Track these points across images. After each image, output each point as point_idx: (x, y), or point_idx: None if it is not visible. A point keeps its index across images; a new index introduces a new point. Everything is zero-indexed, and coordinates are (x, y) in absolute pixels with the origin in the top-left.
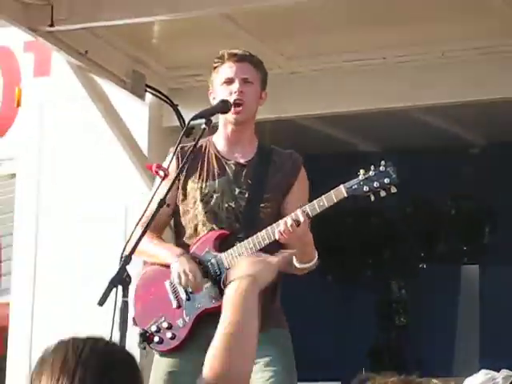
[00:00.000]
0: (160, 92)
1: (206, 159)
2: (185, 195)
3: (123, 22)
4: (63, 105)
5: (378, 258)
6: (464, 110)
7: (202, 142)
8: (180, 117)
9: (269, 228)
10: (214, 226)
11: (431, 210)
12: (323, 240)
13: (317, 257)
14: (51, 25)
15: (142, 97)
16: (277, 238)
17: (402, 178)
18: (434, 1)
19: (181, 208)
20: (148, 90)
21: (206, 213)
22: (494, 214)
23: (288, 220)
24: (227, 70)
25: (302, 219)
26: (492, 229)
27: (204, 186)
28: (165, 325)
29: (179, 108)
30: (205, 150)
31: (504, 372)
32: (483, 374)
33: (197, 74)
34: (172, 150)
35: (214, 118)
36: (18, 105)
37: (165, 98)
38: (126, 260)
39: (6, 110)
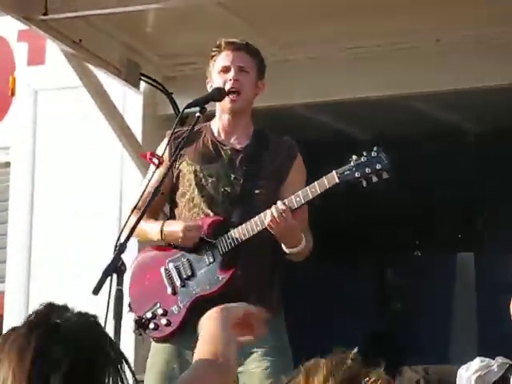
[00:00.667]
0: (154, 80)
1: (201, 143)
2: (181, 177)
3: (117, 10)
4: (57, 94)
5: (373, 246)
6: (459, 97)
7: (199, 126)
8: (174, 105)
9: (261, 214)
10: (210, 211)
11: (426, 197)
12: (318, 227)
13: (304, 242)
14: (45, 13)
15: (136, 85)
16: (266, 224)
17: (395, 166)
18: None
19: (178, 190)
20: (142, 78)
21: (202, 196)
22: (488, 202)
23: (273, 211)
24: (224, 58)
25: (284, 208)
26: (487, 216)
27: (199, 169)
28: (160, 311)
29: (173, 96)
30: (201, 134)
31: (499, 359)
32: (479, 362)
33: (191, 62)
34: (168, 133)
35: (208, 106)
36: (13, 94)
37: (159, 86)
38: (121, 248)
39: (0, 99)
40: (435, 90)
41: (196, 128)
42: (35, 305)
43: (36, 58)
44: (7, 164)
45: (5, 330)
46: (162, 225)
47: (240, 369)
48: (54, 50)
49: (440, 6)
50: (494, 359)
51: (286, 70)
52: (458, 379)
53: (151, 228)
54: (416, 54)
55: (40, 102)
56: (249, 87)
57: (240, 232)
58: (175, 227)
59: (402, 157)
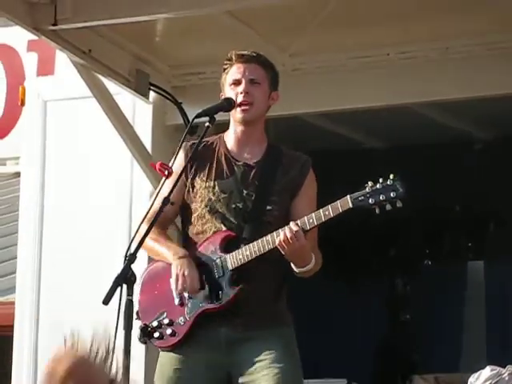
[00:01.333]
0: (164, 90)
1: (215, 158)
2: (194, 193)
3: (126, 20)
4: (67, 104)
5: (382, 255)
6: (468, 105)
7: (213, 139)
8: (184, 115)
9: (274, 233)
10: (222, 226)
11: (436, 206)
12: (327, 237)
13: (314, 261)
14: (55, 24)
15: (145, 95)
16: (277, 244)
17: (406, 174)
18: None
19: (190, 205)
20: (152, 88)
21: (214, 213)
22: (498, 210)
23: (287, 231)
24: (235, 71)
25: (297, 229)
26: (497, 225)
27: (213, 185)
28: (166, 321)
29: (183, 106)
30: (215, 148)
31: (510, 368)
32: (489, 370)
33: (200, 71)
34: (184, 145)
35: (217, 116)
36: (22, 104)
37: (168, 96)
38: (131, 258)
39: (10, 109)
40: (445, 99)
41: (209, 141)
42: (45, 315)
43: (45, 68)
44: (17, 174)
45: (16, 341)
46: (182, 257)
47: (248, 378)
48: (63, 60)
49: (449, 14)
50: (504, 368)
51: (295, 79)
52: None
53: (161, 250)
54: (425, 63)
55: (49, 112)
56: (260, 99)
57: (251, 249)
58: (188, 268)
59: (412, 165)
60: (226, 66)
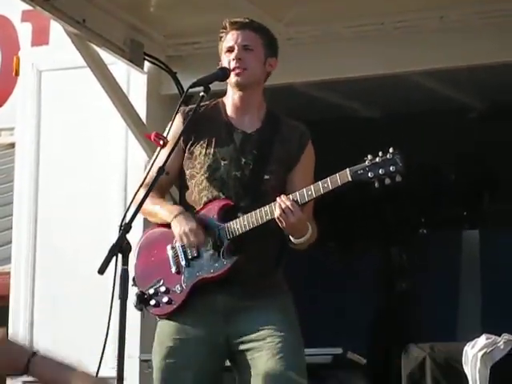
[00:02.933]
0: (158, 60)
1: (215, 124)
2: (193, 159)
3: None
4: (61, 74)
5: (377, 224)
6: (464, 74)
7: (212, 103)
8: (178, 84)
9: (272, 204)
10: (220, 194)
11: (431, 175)
12: (321, 207)
13: (311, 232)
14: None
15: (140, 65)
16: (276, 217)
17: (402, 143)
18: None
19: (187, 172)
20: (146, 58)
21: (213, 180)
22: (494, 180)
23: (285, 203)
24: (229, 38)
25: (307, 199)
26: (492, 194)
27: (212, 152)
28: (162, 289)
29: (178, 75)
30: (214, 113)
31: (505, 336)
32: (484, 339)
33: (195, 41)
34: (181, 110)
35: (212, 86)
36: (17, 74)
37: (163, 66)
38: (126, 228)
39: (4, 79)
40: (439, 67)
41: (209, 105)
42: (41, 285)
43: (40, 38)
44: (12, 144)
45: (11, 311)
46: (178, 214)
47: (249, 345)
48: (57, 30)
49: None
50: (500, 336)
51: (290, 49)
52: (463, 356)
53: (161, 211)
54: (420, 32)
55: (44, 83)
56: (254, 64)
57: (249, 219)
58: (188, 223)
59: (407, 133)
60: (221, 34)
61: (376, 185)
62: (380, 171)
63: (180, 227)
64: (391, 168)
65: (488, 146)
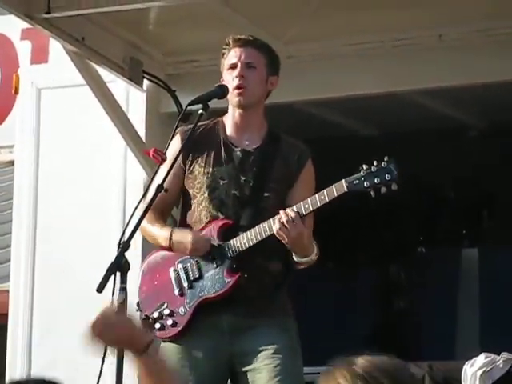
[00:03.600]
0: (157, 78)
1: (214, 143)
2: (192, 179)
3: (120, 8)
4: (61, 92)
5: (376, 242)
6: (463, 92)
7: (212, 122)
8: (177, 102)
9: (270, 220)
10: (219, 214)
11: (430, 193)
12: (320, 224)
13: (316, 251)
14: (48, 12)
15: (139, 83)
16: (275, 231)
17: (401, 161)
18: None
19: (190, 191)
20: (145, 76)
21: (212, 199)
22: (492, 198)
23: (283, 216)
24: (232, 55)
25: (304, 212)
26: (491, 212)
27: (211, 171)
28: (166, 311)
29: (176, 93)
30: (214, 132)
31: (504, 355)
32: (483, 358)
33: (194, 59)
34: (179, 130)
35: (211, 104)
36: (16, 92)
37: (162, 84)
38: (125, 246)
39: (4, 97)
40: (438, 86)
41: (208, 125)
42: (40, 303)
43: (39, 56)
44: (11, 162)
45: (10, 329)
46: (171, 233)
47: (250, 366)
48: (57, 48)
49: (443, 1)
50: (499, 355)
51: (290, 67)
52: (463, 375)
53: (159, 232)
54: (419, 50)
55: (43, 100)
56: (256, 83)
57: (248, 237)
58: (184, 238)
59: (406, 152)
60: (224, 51)
61: (372, 194)
62: (375, 180)
63: (184, 246)
64: (386, 176)
65: (487, 165)
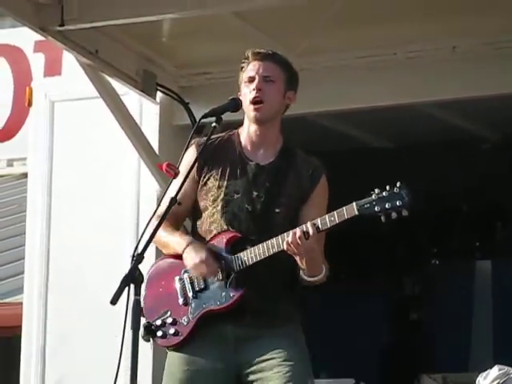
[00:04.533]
0: (171, 90)
1: (229, 157)
2: (206, 191)
3: (133, 20)
4: (74, 104)
5: (390, 254)
6: (476, 104)
7: (228, 135)
8: (191, 115)
9: (279, 236)
10: (230, 227)
11: (444, 205)
12: (334, 235)
13: (324, 270)
14: (61, 24)
15: (152, 95)
16: (284, 248)
17: (413, 173)
18: None
19: (201, 203)
20: (158, 88)
21: (225, 213)
22: (505, 210)
23: (297, 231)
24: (250, 69)
25: (311, 232)
26: (504, 224)
27: (225, 184)
28: (169, 320)
29: (190, 106)
30: (229, 145)
31: None
32: (497, 370)
33: (207, 71)
34: (196, 142)
35: (224, 116)
36: (30, 104)
37: (175, 96)
38: (138, 258)
39: (17, 109)
40: (452, 98)
41: (224, 137)
42: (53, 316)
43: (53, 68)
44: (24, 175)
45: (23, 341)
46: (187, 245)
47: (258, 375)
48: (70, 60)
49: (456, 13)
50: None
51: (303, 79)
52: None
53: (177, 243)
54: (432, 62)
55: (57, 113)
56: (274, 97)
57: (256, 252)
58: (198, 254)
59: (420, 164)
60: (242, 65)
61: (382, 219)
62: (387, 205)
63: (192, 258)
64: (398, 202)
65: (500, 177)
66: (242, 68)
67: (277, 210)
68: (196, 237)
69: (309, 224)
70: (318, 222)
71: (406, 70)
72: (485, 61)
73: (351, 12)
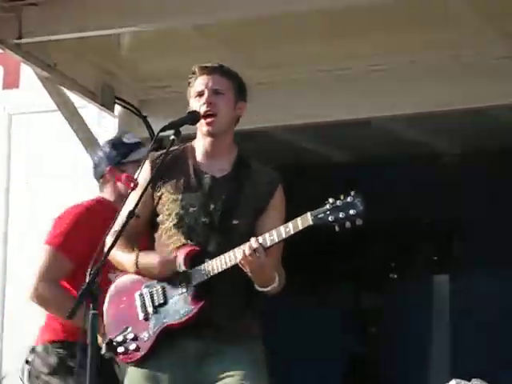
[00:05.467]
0: (129, 103)
1: (183, 170)
2: (161, 205)
3: (92, 34)
4: (32, 117)
5: (349, 269)
6: (434, 119)
7: (181, 148)
8: (149, 128)
9: (236, 249)
10: (188, 241)
11: (402, 220)
12: (292, 250)
13: (278, 280)
14: (19, 37)
15: (111, 109)
16: (238, 261)
17: (374, 188)
18: (402, 11)
19: (159, 217)
20: (117, 101)
21: (181, 226)
22: (463, 224)
23: (246, 249)
24: (199, 83)
25: (261, 248)
26: (462, 239)
27: (181, 198)
28: (130, 336)
29: (149, 119)
30: (183, 158)
31: (475, 381)
32: (454, 383)
33: (166, 85)
34: (150, 155)
35: (183, 130)
36: None
37: (134, 110)
38: (96, 272)
39: None
40: (410, 112)
41: (178, 150)
42: (11, 316)
43: (11, 81)
44: None
45: None
46: (137, 256)
47: None
48: (28, 73)
49: (413, 28)
50: (469, 381)
51: (262, 93)
52: None
53: (127, 260)
54: (391, 76)
55: (15, 126)
56: (225, 109)
57: (214, 265)
58: (150, 260)
59: (378, 178)
60: (190, 80)
61: (337, 228)
62: (341, 215)
63: (152, 267)
64: (351, 212)
65: (458, 191)
66: (190, 83)
67: (234, 222)
68: (154, 250)
69: (260, 239)
70: (274, 233)
71: (365, 84)
72: (445, 75)
73: (310, 25)
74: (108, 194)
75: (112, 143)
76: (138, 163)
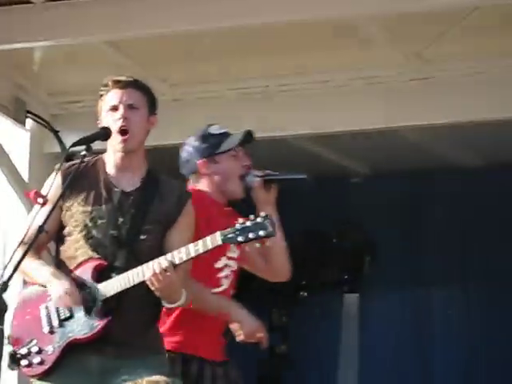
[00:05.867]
0: (41, 118)
1: (94, 182)
2: (69, 216)
3: (4, 47)
4: None
5: (258, 286)
6: (345, 139)
7: (93, 160)
8: (61, 143)
9: (144, 265)
10: (95, 254)
11: (313, 238)
12: None
13: (185, 296)
14: None
15: (22, 122)
16: (146, 279)
17: (283, 206)
18: (318, 31)
19: (66, 228)
20: (29, 115)
21: (89, 239)
22: (374, 243)
23: (156, 267)
24: (112, 97)
25: (169, 268)
26: (372, 257)
27: (90, 210)
28: (35, 349)
29: (61, 134)
30: (94, 170)
31: None
32: None
33: (79, 100)
34: (57, 168)
35: (94, 145)
36: None
37: (45, 124)
38: (3, 287)
39: None
40: (322, 132)
41: (90, 162)
42: None
43: None
44: None
45: None
46: (50, 276)
47: None
48: None
49: (329, 48)
50: None
51: (175, 109)
52: None
53: (37, 273)
54: (304, 95)
55: None
56: (140, 124)
57: (121, 281)
58: (61, 285)
59: (289, 197)
60: (102, 93)
61: (247, 249)
62: (250, 235)
63: (56, 290)
64: (261, 232)
65: (369, 211)
66: (102, 96)
67: (142, 237)
68: (59, 262)
69: (169, 256)
70: (183, 251)
71: (278, 103)
72: (356, 96)
73: (224, 44)
74: (204, 186)
75: (201, 136)
76: (232, 153)
